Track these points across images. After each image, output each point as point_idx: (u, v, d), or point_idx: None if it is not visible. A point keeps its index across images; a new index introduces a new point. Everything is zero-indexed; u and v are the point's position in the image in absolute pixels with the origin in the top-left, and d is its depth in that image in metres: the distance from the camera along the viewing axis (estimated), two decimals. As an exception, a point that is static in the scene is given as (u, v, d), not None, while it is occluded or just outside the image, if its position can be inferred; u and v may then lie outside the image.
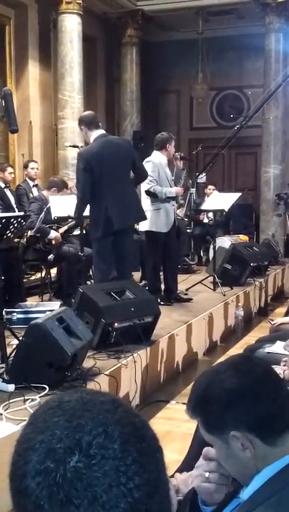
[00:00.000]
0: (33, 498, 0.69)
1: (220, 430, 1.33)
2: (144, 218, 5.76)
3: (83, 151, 5.54)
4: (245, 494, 1.32)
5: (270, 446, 1.30)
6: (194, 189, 9.74)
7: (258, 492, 1.27)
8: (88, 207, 5.37)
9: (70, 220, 6.30)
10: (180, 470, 2.53)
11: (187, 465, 2.62)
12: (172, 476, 2.31)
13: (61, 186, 6.79)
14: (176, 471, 2.49)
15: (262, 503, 1.22)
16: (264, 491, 1.26)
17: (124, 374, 4.26)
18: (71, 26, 9.62)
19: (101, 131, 5.41)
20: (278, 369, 2.88)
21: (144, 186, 6.12)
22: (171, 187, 6.34)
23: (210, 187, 10.03)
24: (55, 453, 0.70)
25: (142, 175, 5.66)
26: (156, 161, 6.27)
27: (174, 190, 6.33)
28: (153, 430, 0.77)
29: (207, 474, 1.54)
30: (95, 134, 5.36)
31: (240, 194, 7.92)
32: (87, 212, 5.52)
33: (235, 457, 1.33)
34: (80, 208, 5.42)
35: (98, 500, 0.67)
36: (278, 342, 3.73)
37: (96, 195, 5.22)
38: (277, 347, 3.63)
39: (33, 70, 10.07)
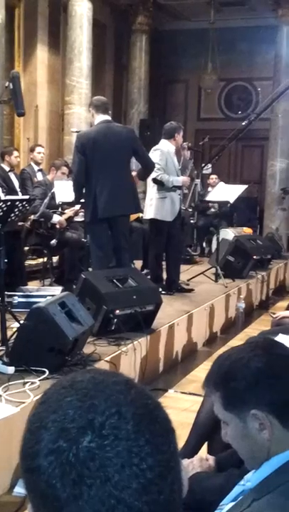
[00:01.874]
0: (45, 476, 0.69)
1: (240, 408, 1.32)
2: (139, 211, 5.74)
3: (81, 133, 5.59)
4: (253, 481, 1.31)
5: (287, 430, 1.29)
6: (199, 180, 9.71)
7: (266, 480, 1.26)
8: None
9: (74, 205, 6.29)
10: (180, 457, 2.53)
11: (187, 453, 2.62)
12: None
13: (58, 164, 6.75)
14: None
15: (271, 491, 1.21)
16: (273, 479, 1.25)
17: (124, 361, 4.26)
18: (81, 11, 9.55)
19: (105, 117, 5.38)
20: (286, 338, 2.86)
21: (152, 174, 6.10)
22: (178, 176, 6.31)
23: (212, 176, 9.99)
24: (68, 432, 0.70)
25: (148, 165, 5.63)
26: (164, 150, 6.24)
27: (181, 180, 6.31)
28: (166, 411, 0.77)
29: None
30: (99, 118, 5.35)
31: (246, 186, 7.89)
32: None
33: (250, 438, 1.32)
34: (74, 190, 5.43)
35: (111, 481, 0.68)
36: (280, 335, 3.72)
37: (88, 180, 5.23)
38: (279, 340, 3.62)
39: (42, 54, 10.01)
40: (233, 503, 1.37)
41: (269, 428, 1.29)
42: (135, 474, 0.68)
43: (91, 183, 5.22)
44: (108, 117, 5.45)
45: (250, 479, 1.33)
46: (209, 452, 2.60)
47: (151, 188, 6.27)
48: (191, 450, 2.66)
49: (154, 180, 6.16)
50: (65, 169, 6.65)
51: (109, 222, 5.28)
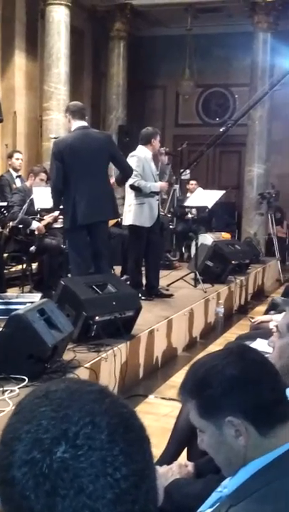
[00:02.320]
0: (19, 488, 0.69)
1: (215, 415, 1.32)
2: (118, 216, 5.75)
3: (58, 140, 5.59)
4: (230, 487, 1.31)
5: (262, 436, 1.30)
6: (178, 185, 9.75)
7: (243, 485, 1.26)
8: None
9: (53, 211, 6.27)
10: (159, 464, 2.54)
11: (166, 459, 2.63)
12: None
13: (37, 171, 6.74)
14: (155, 465, 2.51)
15: (248, 496, 1.21)
16: (250, 485, 1.25)
17: (104, 367, 4.26)
18: (59, 17, 9.56)
19: (82, 123, 5.38)
20: (264, 342, 2.87)
21: (129, 180, 6.11)
22: (155, 182, 6.33)
23: (192, 182, 10.04)
24: (42, 443, 0.69)
25: (126, 170, 5.65)
26: (141, 156, 6.25)
27: (159, 185, 6.33)
28: (140, 420, 0.76)
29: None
30: (76, 124, 5.35)
31: (224, 192, 7.94)
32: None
33: (226, 445, 1.32)
34: (53, 197, 5.42)
35: (84, 491, 0.67)
36: (258, 340, 3.75)
37: (66, 187, 5.23)
38: (257, 344, 3.65)
39: (19, 60, 9.99)
40: (210, 510, 1.38)
41: (245, 434, 1.29)
42: (109, 484, 0.68)
43: (70, 190, 5.22)
44: (85, 123, 5.45)
45: (227, 485, 1.33)
46: (189, 458, 2.61)
47: (129, 194, 6.28)
48: (171, 456, 2.67)
49: (132, 187, 6.17)
50: (43, 175, 6.64)
51: (89, 228, 5.28)
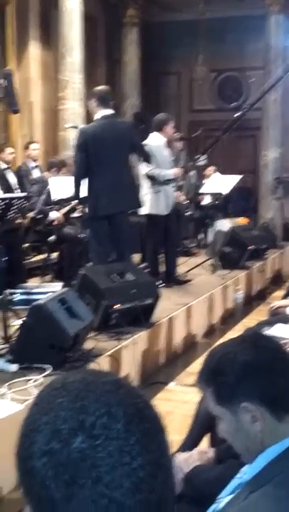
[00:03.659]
0: (39, 478, 0.71)
1: (231, 402, 1.35)
2: (139, 206, 5.76)
3: (83, 128, 5.54)
4: (249, 473, 1.33)
5: (278, 421, 1.32)
6: (194, 171, 9.73)
7: (261, 472, 1.28)
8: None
9: (71, 201, 6.32)
10: (181, 450, 2.59)
11: (188, 445, 2.68)
12: (173, 455, 2.37)
13: (60, 165, 6.80)
14: (176, 451, 2.56)
15: (266, 483, 1.23)
16: (268, 471, 1.27)
17: (125, 355, 4.31)
18: (72, 6, 9.53)
19: (108, 111, 5.34)
20: (284, 327, 2.90)
21: (143, 170, 6.12)
22: (170, 168, 6.33)
23: (210, 168, 10.01)
24: (60, 434, 0.71)
25: (147, 158, 5.69)
26: (153, 144, 6.22)
27: (172, 172, 6.31)
28: (156, 410, 0.78)
29: None
30: (102, 112, 5.31)
31: (240, 177, 7.92)
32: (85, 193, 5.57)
33: (243, 431, 1.35)
34: (75, 186, 5.42)
35: (102, 480, 0.69)
36: (277, 325, 3.78)
37: (89, 177, 5.23)
38: (276, 330, 3.68)
39: (34, 50, 9.99)
40: (230, 496, 1.39)
41: (260, 420, 1.32)
42: (127, 473, 0.70)
43: (92, 179, 5.23)
44: (110, 111, 5.40)
45: (247, 472, 1.36)
46: (211, 444, 2.66)
47: (145, 183, 6.28)
48: (192, 442, 2.71)
49: (146, 176, 6.18)
50: (65, 170, 6.72)
51: (110, 218, 5.31)
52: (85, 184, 5.34)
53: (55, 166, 6.78)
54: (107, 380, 0.77)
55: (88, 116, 9.30)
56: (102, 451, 0.70)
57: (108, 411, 0.72)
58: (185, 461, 2.23)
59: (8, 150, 7.54)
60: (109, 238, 5.42)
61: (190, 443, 2.71)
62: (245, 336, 1.49)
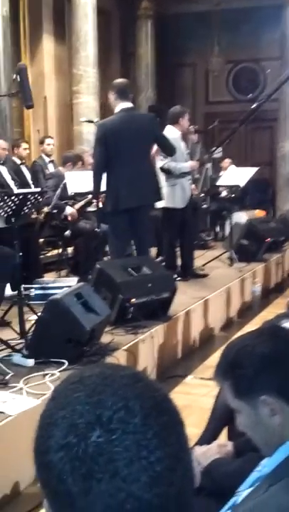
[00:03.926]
0: (56, 472, 0.70)
1: (249, 395, 1.33)
2: (160, 199, 5.72)
3: (102, 122, 5.50)
4: (269, 466, 1.32)
5: None
6: (210, 164, 9.67)
7: (282, 464, 1.27)
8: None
9: (87, 195, 6.30)
10: (199, 443, 2.56)
11: (206, 438, 2.65)
12: (191, 449, 2.35)
13: (75, 160, 6.79)
14: (195, 445, 2.53)
15: (286, 475, 1.22)
16: (288, 464, 1.26)
17: (142, 349, 4.29)
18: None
19: (127, 104, 5.30)
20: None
21: (158, 163, 6.08)
22: (186, 161, 6.28)
23: (226, 160, 9.95)
24: (77, 428, 0.71)
25: (170, 151, 5.63)
26: (169, 137, 6.18)
27: (188, 165, 6.27)
28: (174, 403, 0.77)
29: None
30: (121, 105, 5.27)
31: (256, 169, 7.85)
32: (104, 188, 5.54)
33: (262, 424, 1.33)
34: (94, 180, 5.38)
35: (120, 474, 0.69)
36: (296, 317, 3.73)
37: (109, 171, 5.20)
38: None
39: (48, 44, 9.99)
40: (250, 489, 1.38)
41: (280, 412, 1.30)
42: (144, 467, 0.69)
43: (112, 173, 5.20)
44: (130, 104, 5.36)
45: (266, 465, 1.34)
46: (229, 437, 2.63)
47: (161, 177, 6.24)
48: (211, 436, 2.69)
49: (162, 169, 6.14)
50: (80, 164, 6.71)
51: (130, 211, 5.27)
52: (104, 178, 5.31)
53: (70, 160, 6.77)
54: (125, 373, 0.77)
55: (102, 110, 9.30)
56: (119, 446, 0.69)
57: (125, 405, 0.72)
58: (203, 455, 2.21)
59: (23, 145, 7.55)
60: (130, 232, 5.40)
61: (208, 436, 2.68)
62: (263, 329, 1.47)
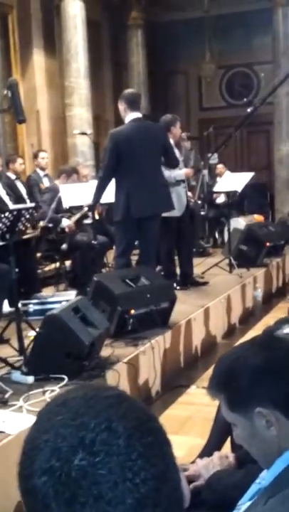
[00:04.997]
0: (41, 497, 0.69)
1: (244, 407, 1.31)
2: (172, 208, 5.70)
3: (114, 131, 5.50)
4: (267, 478, 1.30)
5: None
6: (206, 171, 9.66)
7: (280, 476, 1.25)
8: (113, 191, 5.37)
9: (82, 208, 6.28)
10: (201, 455, 2.52)
11: (208, 450, 2.61)
12: (193, 461, 2.31)
13: (70, 171, 6.77)
14: (197, 457, 2.49)
15: (285, 487, 1.20)
16: (287, 475, 1.24)
17: (143, 361, 4.25)
18: (74, 11, 9.53)
19: (137, 115, 5.34)
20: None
21: None
22: (180, 169, 6.26)
23: (218, 166, 9.94)
24: (60, 452, 0.70)
25: (173, 162, 5.67)
26: None
27: (183, 173, 6.25)
28: (160, 423, 0.76)
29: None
30: (131, 115, 5.30)
31: (252, 174, 7.82)
32: (103, 200, 5.53)
33: (259, 436, 1.31)
34: (98, 190, 5.38)
35: (104, 498, 0.67)
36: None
37: (120, 180, 5.22)
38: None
39: (38, 58, 9.99)
40: (250, 502, 1.37)
41: (276, 424, 1.28)
42: (129, 489, 0.68)
43: (123, 182, 5.20)
44: (139, 114, 5.39)
45: (265, 477, 1.32)
46: (232, 448, 2.58)
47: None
48: (213, 447, 2.65)
49: None
50: (75, 177, 6.71)
51: (140, 220, 5.27)
52: (111, 188, 5.34)
53: (64, 172, 6.76)
54: (108, 394, 0.76)
55: (95, 122, 9.30)
56: (103, 468, 0.68)
57: (108, 426, 0.71)
58: (205, 467, 2.18)
59: (19, 161, 7.54)
60: (139, 242, 5.46)
61: (210, 448, 2.65)
62: (255, 340, 1.44)
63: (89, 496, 0.67)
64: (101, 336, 3.98)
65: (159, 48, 13.20)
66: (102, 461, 0.68)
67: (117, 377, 3.83)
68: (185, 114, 12.82)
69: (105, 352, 4.08)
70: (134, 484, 0.68)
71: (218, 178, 9.54)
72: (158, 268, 6.62)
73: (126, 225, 5.29)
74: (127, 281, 4.73)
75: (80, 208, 6.29)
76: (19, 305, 4.39)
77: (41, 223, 6.31)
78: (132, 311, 4.48)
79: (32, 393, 3.42)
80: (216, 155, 9.50)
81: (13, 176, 7.33)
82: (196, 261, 6.94)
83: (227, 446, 2.69)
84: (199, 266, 7.16)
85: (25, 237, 5.34)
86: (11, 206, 5.52)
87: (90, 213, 6.25)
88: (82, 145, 9.22)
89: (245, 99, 12.26)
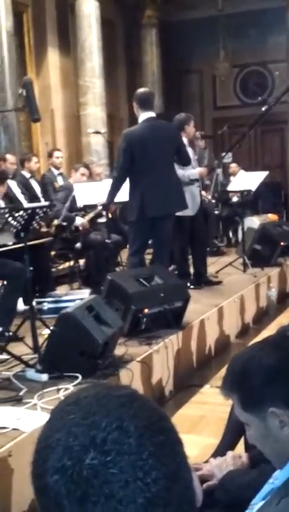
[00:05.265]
0: (53, 495, 0.70)
1: (258, 407, 1.31)
2: (186, 207, 5.70)
3: (127, 131, 5.50)
4: (280, 479, 1.30)
5: None
6: (220, 170, 9.63)
7: None
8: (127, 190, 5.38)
9: (96, 207, 6.30)
10: (214, 455, 2.52)
11: (221, 450, 2.61)
12: (207, 461, 2.31)
13: (78, 166, 6.79)
14: (210, 457, 2.49)
15: None
16: None
17: (156, 360, 4.25)
18: (89, 11, 9.55)
19: (150, 114, 5.34)
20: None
21: None
22: (194, 168, 6.25)
23: (232, 165, 9.91)
24: (72, 451, 0.70)
25: (186, 162, 5.67)
26: None
27: (197, 172, 6.24)
28: (172, 423, 0.76)
29: None
30: (144, 115, 5.30)
31: (266, 173, 7.79)
32: (117, 199, 5.53)
33: (272, 436, 1.31)
34: (112, 190, 5.39)
35: (115, 497, 0.68)
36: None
37: (134, 180, 5.22)
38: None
39: (53, 57, 10.03)
40: (262, 502, 1.37)
41: None
42: (140, 489, 0.69)
43: (137, 182, 5.22)
44: (153, 114, 5.39)
45: (279, 477, 1.32)
46: (246, 448, 2.58)
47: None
48: (226, 447, 2.64)
49: None
50: (83, 170, 6.69)
51: (154, 220, 5.27)
52: (125, 188, 5.35)
53: (73, 168, 6.80)
54: (120, 393, 0.76)
55: (109, 121, 9.31)
56: (114, 467, 0.69)
57: (120, 425, 0.71)
58: (218, 467, 2.18)
59: (34, 159, 7.57)
60: (152, 241, 5.46)
61: (224, 448, 2.64)
62: (268, 340, 1.44)
63: (100, 494, 0.68)
64: (115, 335, 3.98)
65: (173, 47, 13.18)
66: (114, 460, 0.69)
67: (131, 376, 3.83)
68: (199, 113, 12.79)
69: (119, 351, 4.08)
70: (145, 483, 0.69)
71: (232, 177, 9.51)
72: (172, 267, 6.62)
73: (140, 225, 5.30)
74: (141, 280, 4.72)
75: (94, 206, 6.30)
76: (33, 303, 4.41)
77: (55, 222, 6.33)
78: (146, 310, 4.48)
79: (46, 391, 3.43)
80: (230, 154, 9.46)
81: (27, 175, 7.37)
82: (209, 260, 6.92)
83: (241, 446, 2.68)
84: (213, 265, 7.14)
85: (39, 241, 5.36)
86: (26, 204, 5.54)
87: (104, 212, 6.26)
88: (96, 144, 9.24)
89: (259, 98, 12.21)
